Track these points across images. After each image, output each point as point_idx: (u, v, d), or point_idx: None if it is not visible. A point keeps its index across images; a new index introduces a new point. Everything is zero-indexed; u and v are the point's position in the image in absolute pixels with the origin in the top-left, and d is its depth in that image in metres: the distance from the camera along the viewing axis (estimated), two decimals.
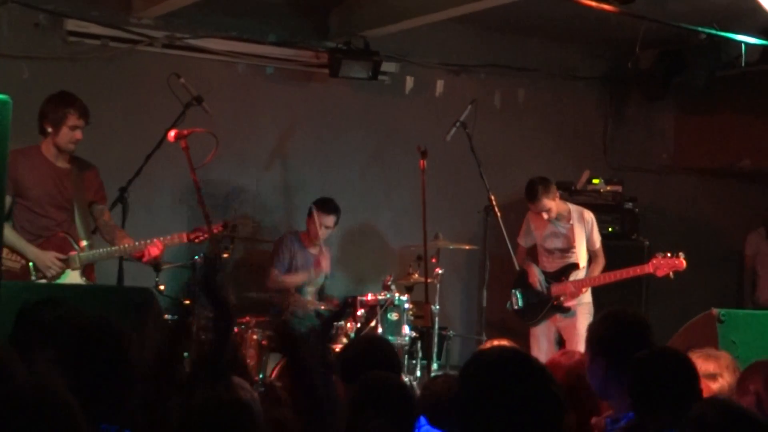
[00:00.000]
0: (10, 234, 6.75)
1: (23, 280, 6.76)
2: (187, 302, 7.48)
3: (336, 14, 9.69)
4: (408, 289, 8.68)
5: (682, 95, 10.82)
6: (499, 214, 8.58)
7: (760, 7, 7.59)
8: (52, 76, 8.71)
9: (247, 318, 8.06)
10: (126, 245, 7.04)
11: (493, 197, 8.65)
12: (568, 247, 8.77)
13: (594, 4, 6.77)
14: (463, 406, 2.86)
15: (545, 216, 8.65)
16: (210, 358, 3.13)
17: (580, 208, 8.93)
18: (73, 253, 6.94)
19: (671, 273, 8.33)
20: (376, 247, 10.03)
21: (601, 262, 8.82)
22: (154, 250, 6.97)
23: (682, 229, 10.95)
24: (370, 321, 8.16)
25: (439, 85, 10.28)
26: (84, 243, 7.02)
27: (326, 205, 8.84)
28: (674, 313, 7.60)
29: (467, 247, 9.40)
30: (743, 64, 9.54)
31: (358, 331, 8.11)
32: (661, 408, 3.68)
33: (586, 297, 8.77)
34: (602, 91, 11.28)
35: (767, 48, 9.23)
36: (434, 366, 8.49)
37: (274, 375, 7.68)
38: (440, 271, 8.73)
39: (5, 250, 6.70)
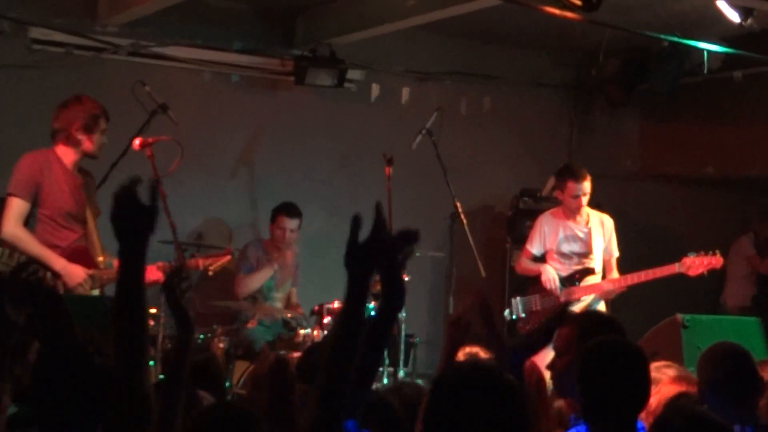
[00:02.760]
0: (33, 243, 6.48)
1: None
2: (154, 311, 7.45)
3: (301, 22, 9.70)
4: (375, 297, 8.62)
5: (646, 102, 10.90)
6: (465, 221, 8.59)
7: (722, 15, 7.68)
8: (15, 84, 8.67)
9: (214, 326, 8.04)
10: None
11: (459, 204, 8.66)
12: (586, 252, 8.35)
13: (557, 12, 6.80)
14: (432, 424, 2.87)
15: (583, 201, 8.24)
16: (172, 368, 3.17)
17: (600, 213, 8.54)
18: (92, 270, 6.65)
19: (705, 272, 8.13)
20: (342, 254, 10.00)
21: (617, 273, 8.42)
22: (153, 274, 6.56)
23: (647, 235, 11.01)
24: None
25: (405, 92, 10.30)
26: (100, 259, 6.80)
27: (289, 209, 8.86)
28: (639, 319, 7.65)
29: (434, 254, 9.41)
30: (706, 72, 9.63)
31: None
32: (610, 404, 3.54)
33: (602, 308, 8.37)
34: (567, 99, 11.33)
35: (729, 55, 9.31)
36: (401, 373, 8.50)
37: (240, 383, 7.66)
38: (406, 278, 8.70)
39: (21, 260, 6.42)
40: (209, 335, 7.91)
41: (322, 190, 9.98)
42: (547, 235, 8.45)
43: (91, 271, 6.63)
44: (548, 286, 8.29)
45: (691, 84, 10.23)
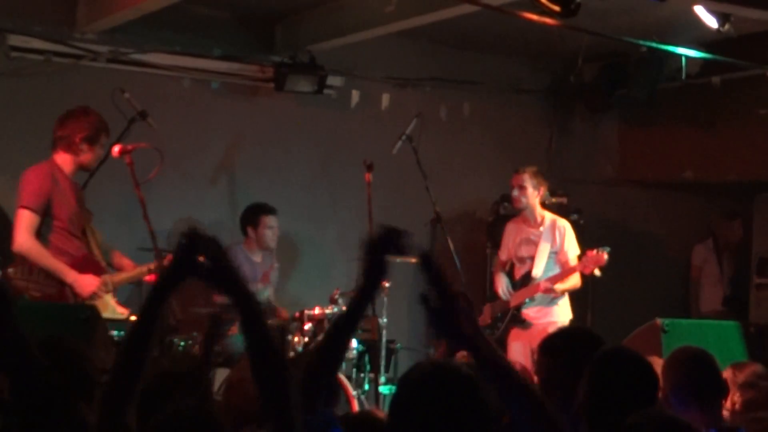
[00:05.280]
0: (45, 255, 6.67)
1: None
2: (134, 318, 7.44)
3: (281, 28, 9.70)
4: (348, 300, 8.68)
5: (625, 107, 10.95)
6: (445, 226, 8.61)
7: (699, 20, 7.72)
8: None
9: (195, 333, 8.01)
10: (145, 268, 7.04)
11: (438, 210, 8.69)
12: (535, 255, 8.58)
13: (536, 17, 6.82)
14: (396, 424, 2.94)
15: (515, 193, 8.51)
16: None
17: (556, 217, 8.69)
18: (104, 276, 6.89)
19: (597, 270, 8.26)
20: (322, 260, 10.02)
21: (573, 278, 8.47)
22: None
23: (627, 240, 11.04)
24: (318, 335, 8.15)
25: (385, 98, 10.31)
26: (103, 264, 7.03)
27: (268, 208, 8.90)
28: (619, 323, 7.68)
29: (414, 260, 9.40)
30: (684, 77, 9.67)
31: (305, 345, 8.11)
32: (617, 414, 3.53)
33: (565, 315, 8.54)
34: (546, 104, 11.36)
35: (707, 61, 9.35)
36: (382, 379, 8.50)
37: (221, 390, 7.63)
38: (387, 284, 8.73)
39: (42, 275, 6.65)
40: (189, 342, 7.88)
41: (302, 196, 9.97)
42: (508, 242, 8.79)
43: (103, 278, 6.85)
44: (499, 293, 8.68)
45: (669, 89, 10.27)
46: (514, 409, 3.05)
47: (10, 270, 6.68)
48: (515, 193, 8.54)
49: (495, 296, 8.89)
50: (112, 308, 6.88)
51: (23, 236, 6.68)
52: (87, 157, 6.91)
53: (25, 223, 6.70)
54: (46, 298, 6.64)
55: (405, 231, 3.32)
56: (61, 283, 6.70)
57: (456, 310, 3.06)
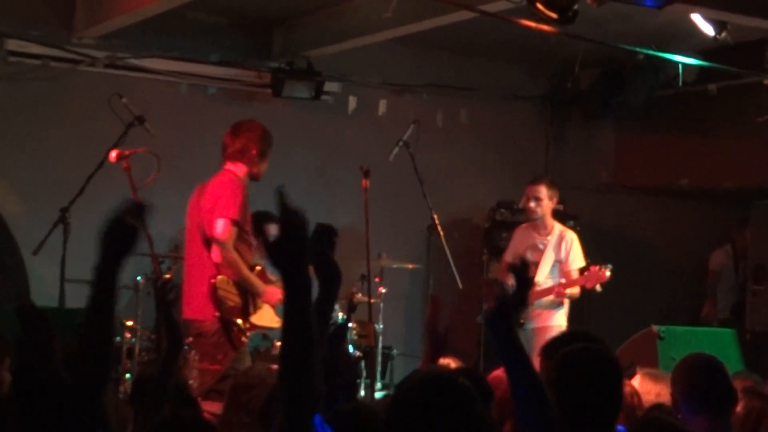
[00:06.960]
0: (243, 267, 6.91)
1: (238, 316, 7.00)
2: (130, 323, 7.44)
3: (278, 34, 9.71)
4: (351, 309, 8.68)
5: (622, 115, 10.95)
6: (441, 233, 8.61)
7: (696, 28, 7.73)
8: None
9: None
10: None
11: (435, 216, 8.68)
12: (539, 262, 8.63)
13: (533, 24, 6.83)
14: (394, 427, 2.94)
15: (532, 204, 8.56)
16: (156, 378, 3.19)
17: (564, 228, 8.76)
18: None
19: (598, 285, 8.30)
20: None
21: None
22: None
23: (622, 246, 11.05)
24: None
25: (382, 104, 10.31)
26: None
27: (273, 217, 8.83)
28: (615, 330, 7.68)
29: (410, 266, 9.42)
30: (681, 84, 9.69)
31: None
32: (584, 410, 3.54)
33: (563, 320, 8.56)
34: (543, 111, 11.38)
35: (704, 68, 9.36)
36: (378, 385, 8.50)
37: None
38: (384, 290, 8.74)
39: (237, 286, 6.93)
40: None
41: (298, 202, 9.92)
42: (516, 246, 8.82)
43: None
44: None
45: (666, 96, 10.29)
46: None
47: (219, 278, 6.91)
48: (532, 203, 8.59)
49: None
50: (270, 316, 7.15)
51: (228, 247, 6.87)
52: (259, 167, 7.16)
53: (228, 235, 6.88)
54: (236, 308, 6.94)
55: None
56: (246, 294, 6.95)
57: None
